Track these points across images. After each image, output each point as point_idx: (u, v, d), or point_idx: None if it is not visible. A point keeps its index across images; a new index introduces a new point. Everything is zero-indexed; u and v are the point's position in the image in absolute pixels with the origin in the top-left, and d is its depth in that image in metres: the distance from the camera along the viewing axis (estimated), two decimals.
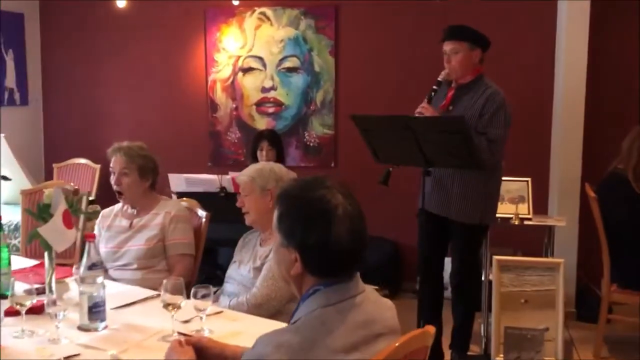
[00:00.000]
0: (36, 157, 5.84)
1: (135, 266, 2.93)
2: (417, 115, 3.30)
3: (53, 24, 5.80)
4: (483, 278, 4.10)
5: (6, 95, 5.40)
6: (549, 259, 3.98)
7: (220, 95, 5.52)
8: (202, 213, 3.13)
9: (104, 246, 3.01)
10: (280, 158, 4.56)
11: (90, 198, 4.98)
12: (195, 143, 5.58)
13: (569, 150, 4.52)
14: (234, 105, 5.50)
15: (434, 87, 3.45)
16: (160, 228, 2.97)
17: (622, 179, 3.81)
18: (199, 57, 5.52)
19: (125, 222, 3.04)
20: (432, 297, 3.72)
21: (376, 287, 4.27)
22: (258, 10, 5.34)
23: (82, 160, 5.38)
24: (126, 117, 5.75)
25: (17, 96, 5.52)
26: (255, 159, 4.55)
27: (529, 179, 4.11)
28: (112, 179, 3.01)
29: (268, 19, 5.35)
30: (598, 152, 4.48)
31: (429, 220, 3.52)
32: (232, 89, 5.49)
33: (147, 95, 5.69)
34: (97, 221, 3.08)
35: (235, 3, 5.01)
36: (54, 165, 5.61)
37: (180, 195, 3.95)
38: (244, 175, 2.64)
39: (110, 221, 3.07)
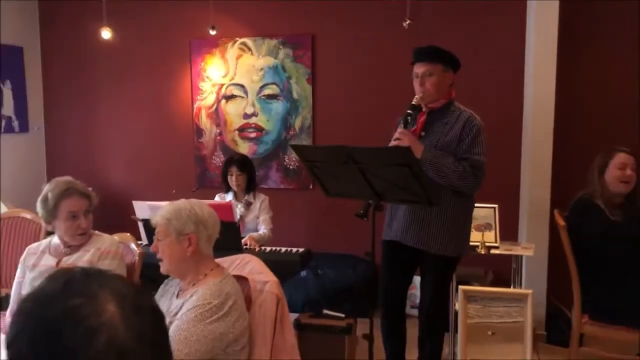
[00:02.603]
0: (38, 184, 5.21)
1: None
2: (394, 143, 2.58)
3: (54, 56, 5.18)
4: (450, 308, 3.37)
5: (3, 123, 4.77)
6: (517, 290, 3.24)
7: (205, 122, 4.85)
8: (135, 248, 2.44)
9: (29, 290, 2.32)
10: (251, 182, 3.89)
11: None
12: (182, 167, 4.92)
13: (538, 175, 3.77)
14: (218, 131, 4.83)
15: (409, 111, 2.69)
16: (87, 266, 2.30)
17: (593, 204, 3.06)
18: (185, 85, 4.87)
19: (52, 261, 2.34)
20: (397, 332, 3.02)
21: (342, 315, 3.58)
22: (239, 40, 4.68)
23: None
24: (119, 143, 5.12)
25: (15, 124, 4.89)
26: (227, 185, 3.88)
27: (496, 205, 3.38)
28: (74, 222, 2.32)
29: (249, 48, 4.68)
30: (568, 177, 3.74)
31: (398, 252, 2.83)
32: (216, 115, 4.82)
33: (138, 123, 5.04)
34: (22, 259, 2.39)
35: (213, 33, 4.34)
36: None
37: (146, 222, 3.29)
38: (158, 216, 1.93)
39: (35, 259, 2.37)
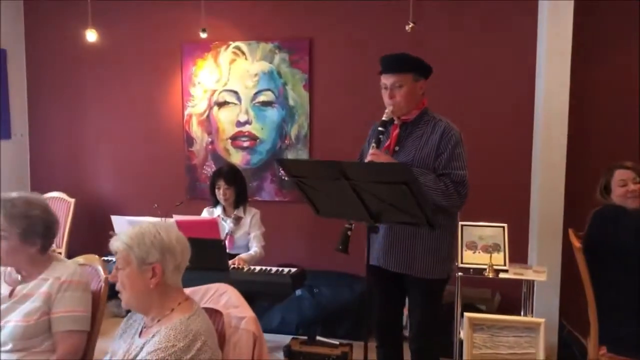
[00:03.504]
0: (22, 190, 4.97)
1: (10, 347, 1.97)
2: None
3: (39, 60, 4.96)
4: (455, 336, 3.10)
5: None
6: (528, 319, 2.97)
7: (196, 129, 4.62)
8: (101, 273, 2.18)
9: None
10: (241, 196, 3.64)
11: None
12: (172, 177, 4.68)
13: (550, 191, 3.51)
14: (210, 139, 4.59)
15: (380, 128, 2.47)
16: (44, 298, 2.00)
17: (622, 208, 2.82)
18: (176, 91, 4.64)
19: (5, 289, 2.06)
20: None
21: (336, 343, 3.33)
22: (233, 44, 4.45)
23: (56, 194, 4.48)
24: (106, 151, 4.88)
25: None
26: (215, 198, 3.64)
27: (505, 225, 3.11)
28: None
29: (243, 53, 4.45)
30: (583, 194, 3.48)
31: (383, 277, 2.58)
32: (208, 123, 4.58)
33: (126, 130, 4.81)
34: None
35: (204, 36, 4.10)
36: None
37: None
38: (118, 241, 1.68)
39: None
